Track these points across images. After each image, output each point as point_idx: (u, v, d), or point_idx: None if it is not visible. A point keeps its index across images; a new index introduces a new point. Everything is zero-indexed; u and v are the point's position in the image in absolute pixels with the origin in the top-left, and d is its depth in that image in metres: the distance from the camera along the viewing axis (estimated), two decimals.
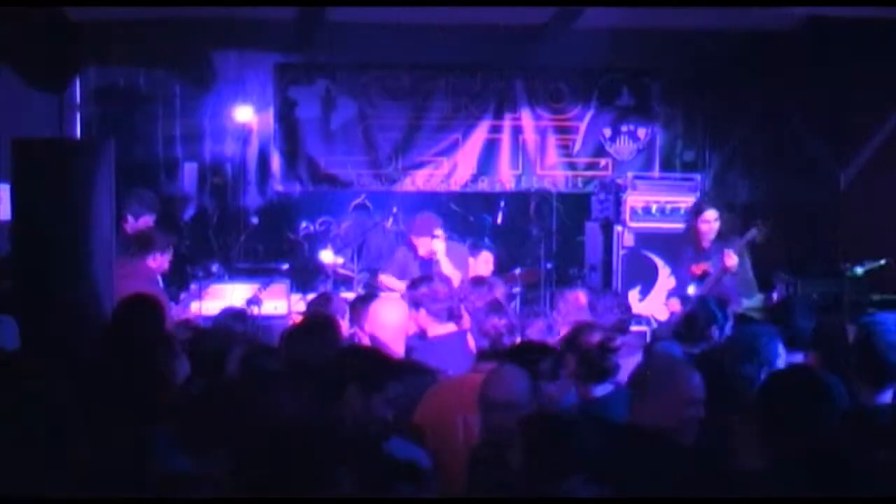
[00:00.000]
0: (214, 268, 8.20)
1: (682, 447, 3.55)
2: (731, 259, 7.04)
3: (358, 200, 9.65)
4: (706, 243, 7.39)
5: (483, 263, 7.93)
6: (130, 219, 7.33)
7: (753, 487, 3.14)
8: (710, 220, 7.34)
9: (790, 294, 8.09)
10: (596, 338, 4.60)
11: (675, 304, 7.48)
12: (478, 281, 6.09)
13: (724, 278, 7.15)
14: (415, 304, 5.43)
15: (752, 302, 7.80)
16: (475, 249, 8.12)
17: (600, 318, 5.49)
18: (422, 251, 7.47)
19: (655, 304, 8.33)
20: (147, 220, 7.44)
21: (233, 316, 5.71)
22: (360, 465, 2.90)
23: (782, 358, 4.49)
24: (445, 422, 4.20)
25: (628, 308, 6.07)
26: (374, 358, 3.82)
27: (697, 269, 7.36)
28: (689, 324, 5.53)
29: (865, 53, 9.03)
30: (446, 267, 7.35)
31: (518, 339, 4.88)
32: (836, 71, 9.49)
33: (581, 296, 5.93)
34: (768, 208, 10.04)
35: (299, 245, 9.48)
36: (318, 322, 5.08)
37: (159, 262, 6.63)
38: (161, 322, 5.18)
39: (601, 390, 4.42)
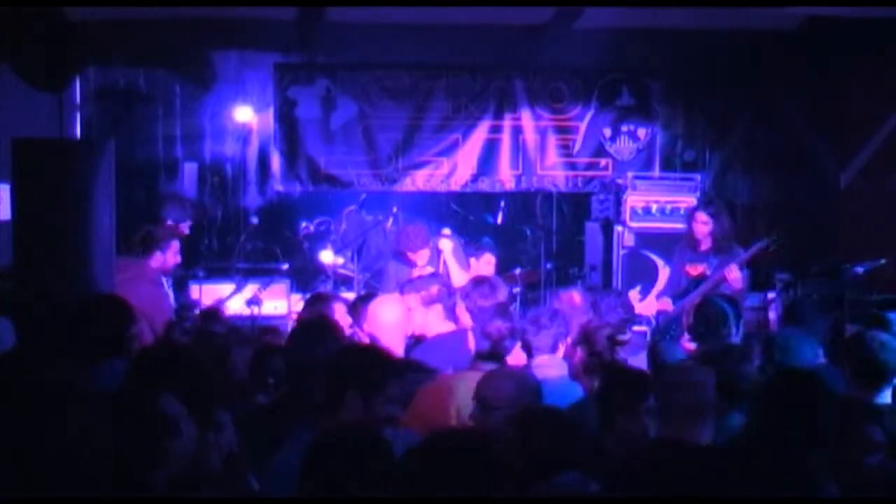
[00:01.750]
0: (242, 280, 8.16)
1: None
2: (734, 273, 7.04)
3: (351, 208, 9.66)
4: (704, 245, 7.39)
5: (485, 265, 7.93)
6: (170, 224, 7.33)
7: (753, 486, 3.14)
8: (700, 222, 7.34)
9: (803, 295, 8.08)
10: (605, 332, 4.66)
11: (667, 304, 7.49)
12: (479, 281, 6.10)
13: (722, 284, 7.15)
14: (430, 300, 5.43)
15: (747, 302, 7.82)
16: (478, 251, 8.13)
17: (603, 318, 5.50)
18: (422, 262, 7.47)
19: (655, 304, 8.33)
20: (186, 226, 7.46)
21: (208, 316, 5.69)
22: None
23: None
24: (439, 417, 4.20)
25: (631, 307, 6.07)
26: (371, 358, 3.80)
27: (694, 270, 7.37)
28: (704, 324, 5.50)
29: (865, 53, 9.03)
30: (454, 267, 7.37)
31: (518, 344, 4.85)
32: (836, 71, 9.50)
33: (575, 295, 5.93)
34: (768, 208, 10.05)
35: (299, 245, 9.48)
36: (315, 323, 5.09)
37: (161, 260, 6.62)
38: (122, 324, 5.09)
39: None
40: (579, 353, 4.78)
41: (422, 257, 7.48)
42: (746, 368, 4.38)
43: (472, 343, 5.05)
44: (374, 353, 3.93)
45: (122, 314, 4.87)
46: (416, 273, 7.25)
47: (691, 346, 5.75)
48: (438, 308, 5.43)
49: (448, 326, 5.42)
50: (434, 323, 5.41)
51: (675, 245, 7.89)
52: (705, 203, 7.69)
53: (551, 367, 4.76)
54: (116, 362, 4.39)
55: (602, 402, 3.99)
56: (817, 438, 3.26)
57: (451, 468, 2.65)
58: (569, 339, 5.04)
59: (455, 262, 7.44)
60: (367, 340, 5.19)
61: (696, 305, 5.84)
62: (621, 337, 4.70)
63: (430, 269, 7.37)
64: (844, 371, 4.27)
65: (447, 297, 5.55)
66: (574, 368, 4.79)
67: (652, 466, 3.40)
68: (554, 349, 4.91)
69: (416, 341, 5.46)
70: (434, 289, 5.52)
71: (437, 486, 2.60)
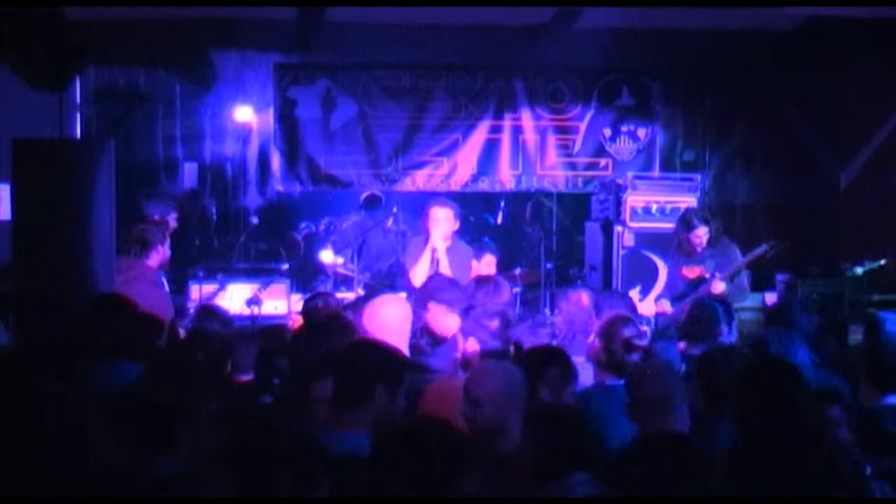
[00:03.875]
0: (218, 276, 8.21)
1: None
2: (719, 288, 7.08)
3: (369, 193, 9.53)
4: (699, 249, 7.41)
5: (486, 266, 7.89)
6: (157, 219, 7.34)
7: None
8: (701, 235, 7.38)
9: (790, 295, 8.10)
10: (627, 333, 4.69)
11: (666, 306, 7.50)
12: (483, 281, 6.07)
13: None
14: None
15: (746, 303, 7.83)
16: (479, 251, 8.09)
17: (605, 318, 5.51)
18: (437, 227, 7.29)
19: (654, 306, 8.33)
20: (173, 218, 7.48)
21: (207, 314, 5.69)
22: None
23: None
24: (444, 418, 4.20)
25: (635, 308, 6.08)
26: (392, 352, 3.81)
27: (691, 272, 7.38)
28: (694, 324, 5.55)
29: (865, 53, 9.03)
30: (444, 268, 7.28)
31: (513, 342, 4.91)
32: (837, 71, 9.50)
33: (584, 296, 5.92)
34: (768, 208, 10.06)
35: (299, 245, 9.47)
36: (318, 323, 5.08)
37: (161, 254, 6.64)
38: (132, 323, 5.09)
39: (613, 381, 4.57)
40: (597, 343, 4.82)
41: (435, 219, 7.28)
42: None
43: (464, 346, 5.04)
44: (391, 348, 3.93)
45: (129, 315, 4.88)
46: (427, 249, 7.18)
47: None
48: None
49: None
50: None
51: (669, 247, 7.90)
52: (696, 214, 7.66)
53: None
54: (124, 364, 4.38)
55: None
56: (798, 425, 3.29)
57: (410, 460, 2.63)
58: (593, 331, 5.09)
59: (447, 263, 7.32)
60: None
61: (689, 307, 5.91)
62: (637, 342, 4.71)
63: (444, 242, 7.24)
64: (855, 374, 4.27)
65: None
66: (591, 357, 4.84)
67: (641, 460, 3.43)
68: None
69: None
70: (457, 293, 5.51)
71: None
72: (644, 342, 4.82)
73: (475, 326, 4.92)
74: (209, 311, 5.88)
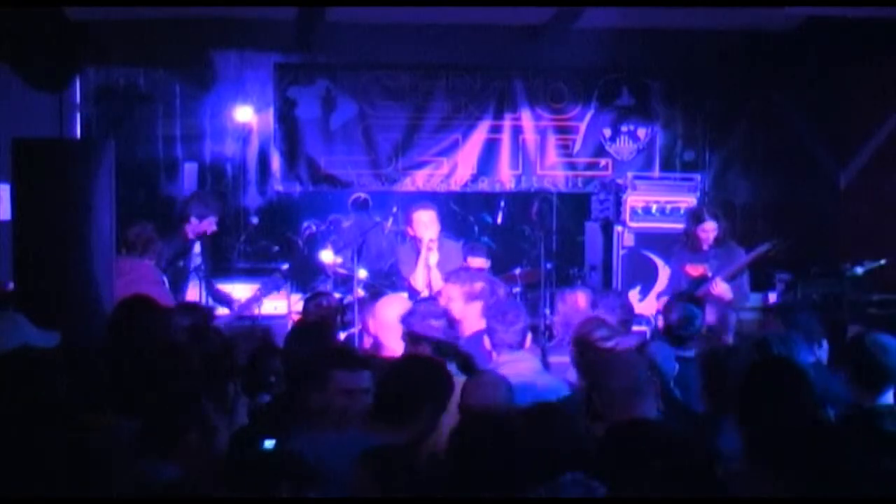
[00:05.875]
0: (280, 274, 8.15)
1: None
2: (719, 288, 7.08)
3: (356, 196, 9.54)
4: (705, 247, 7.41)
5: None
6: (194, 220, 7.37)
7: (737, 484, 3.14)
8: (709, 230, 7.39)
9: (800, 295, 8.09)
10: (596, 335, 4.69)
11: None
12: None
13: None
14: (472, 297, 5.44)
15: (746, 302, 7.83)
16: (470, 252, 8.08)
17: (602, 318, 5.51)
18: (425, 233, 7.31)
19: (654, 304, 8.34)
20: (211, 222, 7.48)
21: (183, 310, 5.71)
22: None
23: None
24: None
25: (630, 308, 6.08)
26: (441, 372, 3.83)
27: (694, 270, 7.39)
28: (672, 326, 5.52)
29: (865, 53, 9.03)
30: (435, 275, 7.22)
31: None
32: (836, 71, 9.50)
33: (580, 297, 5.92)
34: (768, 208, 10.06)
35: (299, 245, 9.47)
36: (311, 324, 5.11)
37: (161, 253, 6.68)
38: (161, 323, 5.15)
39: None
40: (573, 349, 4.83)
41: (422, 222, 7.30)
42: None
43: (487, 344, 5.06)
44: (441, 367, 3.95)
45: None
46: (423, 253, 7.18)
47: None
48: (478, 305, 5.41)
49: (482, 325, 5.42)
50: (471, 320, 5.38)
51: (674, 245, 7.90)
52: (707, 209, 7.69)
53: (518, 363, 4.73)
54: None
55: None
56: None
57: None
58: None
59: (438, 274, 7.29)
60: (372, 340, 5.20)
61: (663, 309, 5.91)
62: (605, 344, 4.72)
63: (434, 255, 7.25)
64: (845, 373, 4.27)
65: (489, 294, 5.53)
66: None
67: (613, 449, 3.44)
68: (521, 345, 4.90)
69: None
70: (478, 285, 5.51)
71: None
72: (610, 344, 4.81)
73: (426, 327, 4.92)
74: (185, 307, 5.91)
